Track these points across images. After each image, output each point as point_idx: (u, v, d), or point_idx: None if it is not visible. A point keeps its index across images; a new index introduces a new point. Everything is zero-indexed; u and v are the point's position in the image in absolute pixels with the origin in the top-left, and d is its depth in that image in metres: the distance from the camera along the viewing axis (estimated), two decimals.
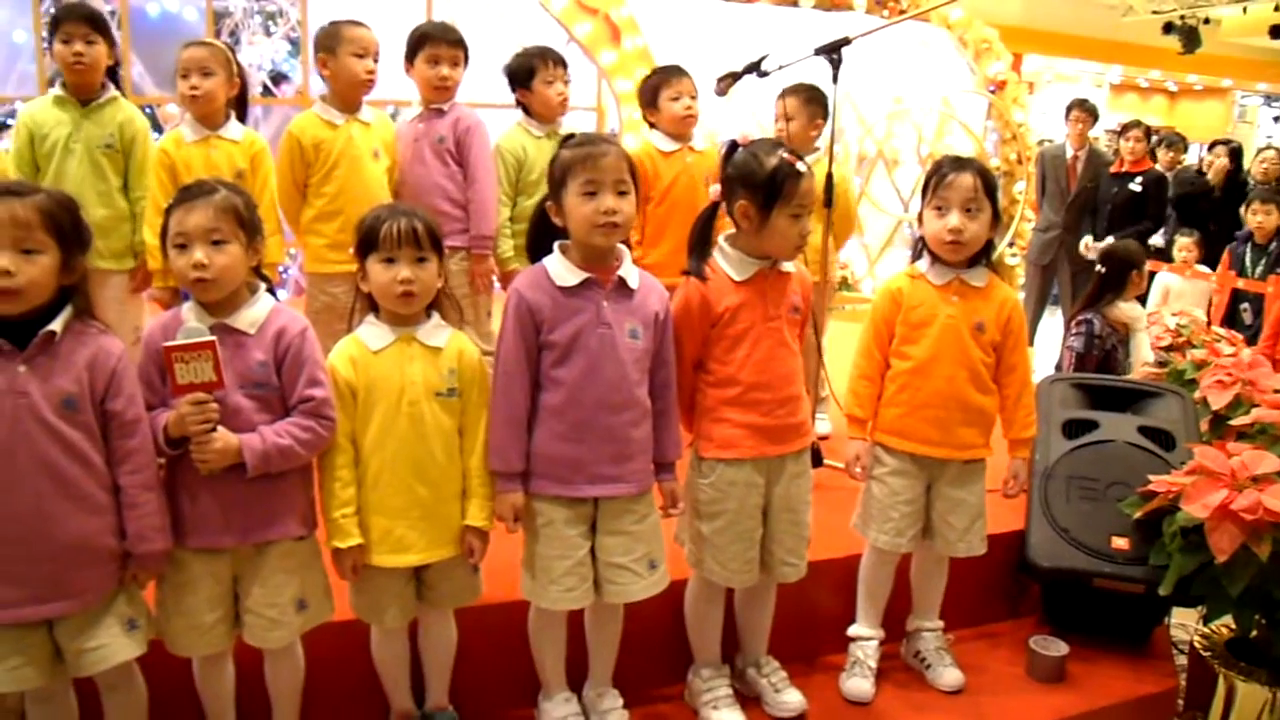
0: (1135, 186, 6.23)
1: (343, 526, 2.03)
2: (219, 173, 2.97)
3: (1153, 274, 6.30)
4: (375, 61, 3.13)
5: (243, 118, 3.25)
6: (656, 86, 3.51)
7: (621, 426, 2.13)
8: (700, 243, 2.28)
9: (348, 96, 3.16)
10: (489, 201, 3.25)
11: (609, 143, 2.11)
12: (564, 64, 3.41)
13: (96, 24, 3.10)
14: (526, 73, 3.37)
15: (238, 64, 3.18)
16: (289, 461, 1.94)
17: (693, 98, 3.50)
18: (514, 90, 3.43)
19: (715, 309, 2.24)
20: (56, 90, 3.15)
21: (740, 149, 2.26)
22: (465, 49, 3.27)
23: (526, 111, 3.43)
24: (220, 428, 1.87)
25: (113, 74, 3.21)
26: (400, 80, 3.38)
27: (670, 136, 3.53)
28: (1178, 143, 7.63)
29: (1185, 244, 6.10)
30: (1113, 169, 6.35)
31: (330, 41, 3.12)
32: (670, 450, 2.25)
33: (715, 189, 2.29)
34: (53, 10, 3.13)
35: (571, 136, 2.15)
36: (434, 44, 3.20)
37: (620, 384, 2.11)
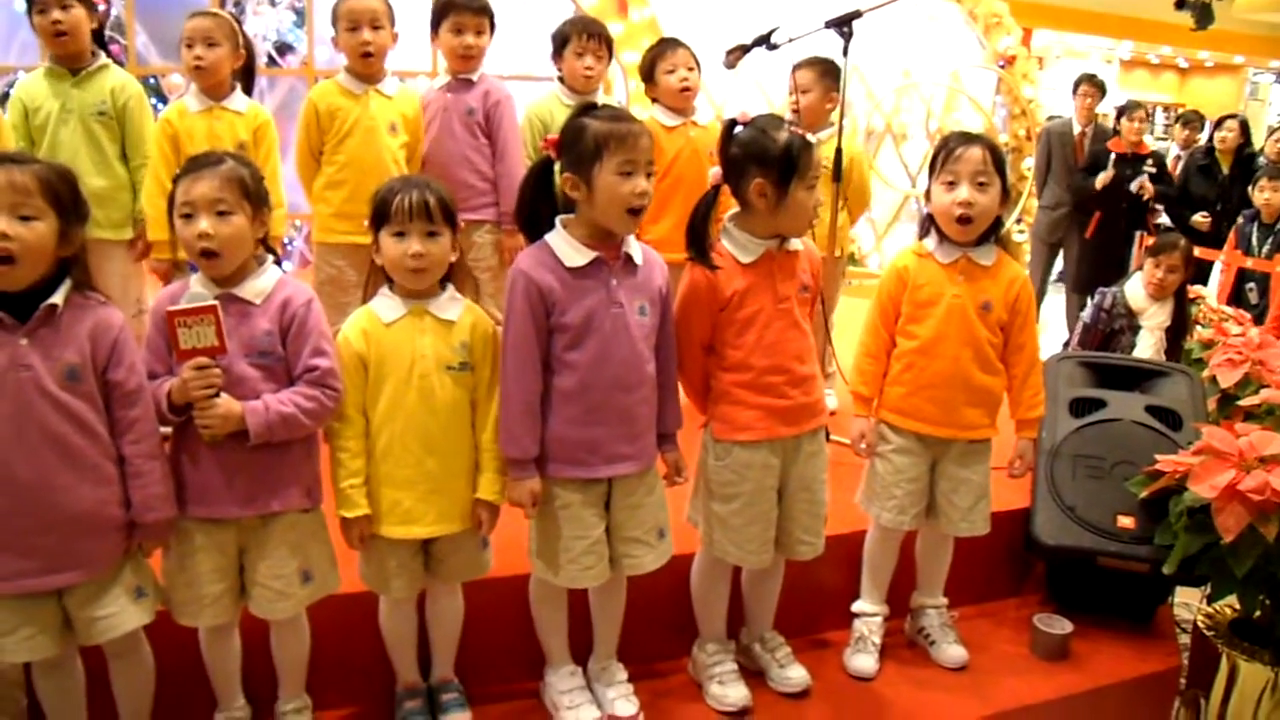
0: (1149, 169, 6.15)
1: (350, 496, 2.03)
2: (221, 144, 2.95)
3: (1200, 261, 6.16)
4: (376, 29, 3.09)
5: (249, 89, 3.23)
6: (653, 60, 3.50)
7: (634, 405, 2.12)
8: (702, 228, 2.23)
9: (356, 68, 3.14)
10: (519, 177, 3.22)
11: (637, 120, 2.07)
12: (601, 39, 3.39)
13: None
14: (561, 40, 3.39)
15: (244, 35, 3.16)
16: (292, 430, 1.93)
17: (689, 70, 3.47)
18: (553, 58, 3.43)
19: (723, 293, 2.22)
20: (47, 63, 3.10)
21: (743, 128, 2.22)
22: (491, 16, 3.25)
23: (563, 81, 3.43)
24: (224, 394, 1.87)
25: (99, 38, 3.16)
26: (416, 50, 3.35)
27: (671, 111, 3.51)
28: (1194, 120, 7.56)
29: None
30: (1112, 147, 6.22)
31: (333, 18, 3.13)
32: (671, 422, 2.26)
33: (715, 172, 2.25)
34: None
35: (594, 106, 2.11)
36: (458, 12, 3.18)
37: (633, 363, 2.10)
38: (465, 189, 3.19)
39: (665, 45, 3.50)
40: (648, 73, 3.52)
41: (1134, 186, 6.08)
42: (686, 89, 3.47)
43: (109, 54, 3.19)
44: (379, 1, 3.12)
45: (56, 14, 2.99)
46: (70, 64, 3.08)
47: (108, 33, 6.01)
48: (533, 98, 3.48)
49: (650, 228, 3.41)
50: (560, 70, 3.44)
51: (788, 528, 2.33)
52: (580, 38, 3.36)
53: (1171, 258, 3.77)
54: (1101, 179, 5.95)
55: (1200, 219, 6.22)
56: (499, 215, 3.25)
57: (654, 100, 3.56)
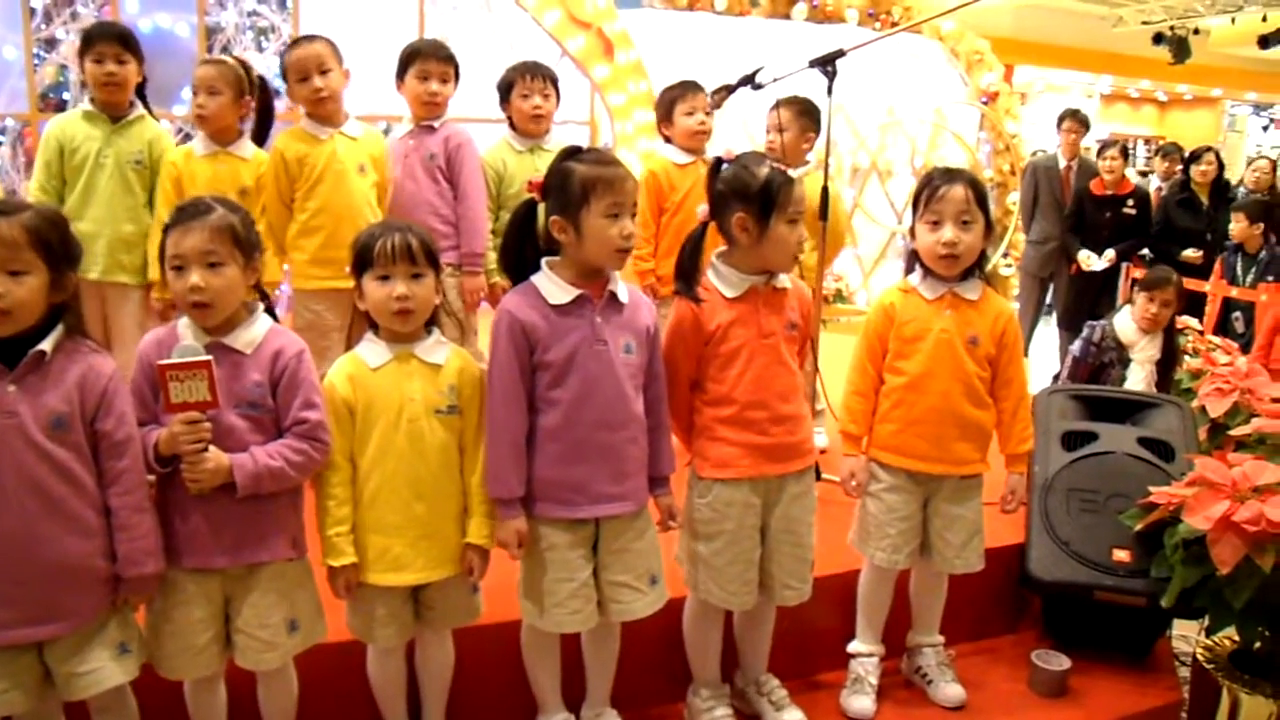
0: (1129, 209, 6.21)
1: (337, 544, 2.00)
2: (223, 188, 2.98)
3: (1193, 293, 6.20)
4: (324, 74, 3.07)
5: (263, 134, 3.25)
6: (672, 101, 3.56)
7: (620, 444, 2.10)
8: (691, 263, 2.25)
9: (315, 115, 3.14)
10: (479, 219, 3.26)
11: (622, 163, 2.08)
12: (546, 77, 3.40)
13: (127, 43, 3.13)
14: (506, 86, 3.40)
15: (256, 81, 3.18)
16: (279, 483, 1.91)
17: (707, 113, 3.55)
18: (501, 105, 3.45)
19: (707, 327, 2.22)
20: (85, 105, 3.17)
21: (727, 164, 2.24)
22: (456, 65, 3.28)
23: (512, 126, 3.45)
24: (212, 447, 1.85)
25: (140, 92, 3.24)
26: (390, 95, 3.37)
27: (683, 150, 3.57)
28: (1174, 153, 7.63)
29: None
30: (1094, 189, 6.27)
31: (282, 73, 3.14)
32: (665, 465, 2.23)
33: (703, 209, 2.26)
34: (83, 29, 3.19)
35: (578, 150, 2.12)
36: (424, 60, 3.21)
37: (617, 401, 2.09)
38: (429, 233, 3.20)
39: (686, 87, 3.56)
40: (665, 112, 3.58)
41: (1083, 262, 6.15)
42: (702, 131, 3.54)
43: (147, 107, 3.25)
44: (322, 45, 3.10)
45: (112, 66, 3.08)
46: (111, 111, 3.14)
47: None
48: (486, 145, 3.47)
49: (664, 263, 3.44)
50: (509, 116, 3.44)
51: (772, 571, 2.31)
52: (525, 79, 3.36)
53: (1165, 293, 3.79)
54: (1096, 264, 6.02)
55: (1191, 254, 6.25)
56: (460, 258, 3.25)
57: (666, 139, 3.63)
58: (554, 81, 3.44)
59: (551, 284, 2.08)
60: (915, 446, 2.46)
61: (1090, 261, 6.06)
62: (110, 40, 3.09)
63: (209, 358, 1.81)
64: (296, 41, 3.16)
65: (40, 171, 3.12)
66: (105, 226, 3.09)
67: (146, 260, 3.15)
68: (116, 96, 3.13)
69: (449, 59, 3.25)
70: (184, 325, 1.92)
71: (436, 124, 3.26)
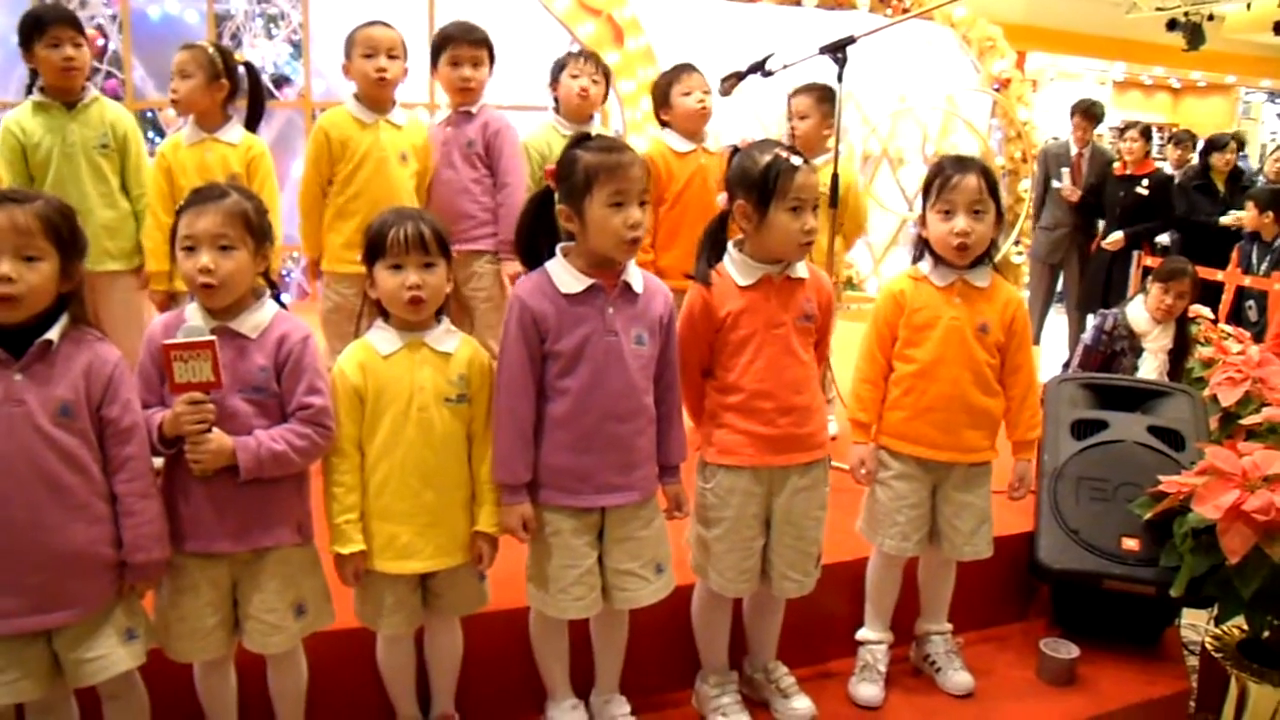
0: (1142, 189, 6.20)
1: (345, 532, 2.01)
2: (212, 176, 2.95)
3: (1206, 281, 6.20)
4: (392, 59, 3.10)
5: (256, 121, 3.23)
6: (668, 84, 3.53)
7: (628, 435, 2.10)
8: (710, 249, 2.24)
9: (369, 96, 3.15)
10: (520, 205, 3.24)
11: (630, 150, 2.07)
12: (596, 62, 3.44)
13: (78, 26, 3.07)
14: (558, 67, 3.44)
15: (230, 66, 3.14)
16: (283, 468, 1.92)
17: (705, 93, 3.50)
18: (550, 85, 3.48)
19: (718, 313, 2.22)
20: (35, 96, 3.08)
21: (739, 152, 2.24)
22: (490, 49, 3.27)
23: (557, 109, 3.47)
24: (215, 429, 1.86)
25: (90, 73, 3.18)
26: (417, 82, 3.37)
27: (684, 136, 3.52)
28: (1186, 140, 7.60)
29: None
30: (1116, 170, 6.32)
31: (347, 46, 3.13)
32: (675, 453, 2.22)
33: (722, 197, 2.26)
34: (27, 11, 3.05)
35: (587, 137, 2.11)
36: (456, 45, 3.20)
37: (627, 392, 2.08)
38: (466, 219, 3.22)
39: (681, 69, 3.53)
40: (662, 97, 3.54)
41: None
42: (703, 111, 3.49)
43: (100, 87, 3.20)
44: (396, 34, 3.14)
45: (70, 50, 3.01)
46: (65, 97, 3.08)
47: (106, 67, 6.09)
48: (529, 129, 3.50)
49: (662, 254, 3.42)
50: (556, 97, 3.47)
51: (773, 561, 2.31)
52: (577, 61, 3.43)
53: (1181, 284, 3.78)
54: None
55: (1233, 219, 6.29)
56: (498, 245, 3.26)
57: (665, 125, 3.58)
58: (606, 73, 3.47)
59: (565, 272, 2.07)
60: (925, 434, 2.46)
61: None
62: (64, 24, 3.02)
63: (212, 338, 1.82)
64: (372, 23, 3.14)
65: (4, 172, 3.03)
66: (84, 217, 3.01)
67: (131, 245, 3.14)
68: (75, 81, 3.06)
69: (482, 42, 3.23)
70: (191, 309, 1.93)
71: (474, 109, 3.26)
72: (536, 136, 3.45)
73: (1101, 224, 6.41)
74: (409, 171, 3.16)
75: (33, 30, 3.01)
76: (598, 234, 2.02)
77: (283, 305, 2.03)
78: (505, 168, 3.25)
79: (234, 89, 3.16)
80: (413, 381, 2.03)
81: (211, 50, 3.11)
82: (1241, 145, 6.82)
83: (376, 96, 3.14)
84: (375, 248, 2.02)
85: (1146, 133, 6.38)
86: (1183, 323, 3.85)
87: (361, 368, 2.03)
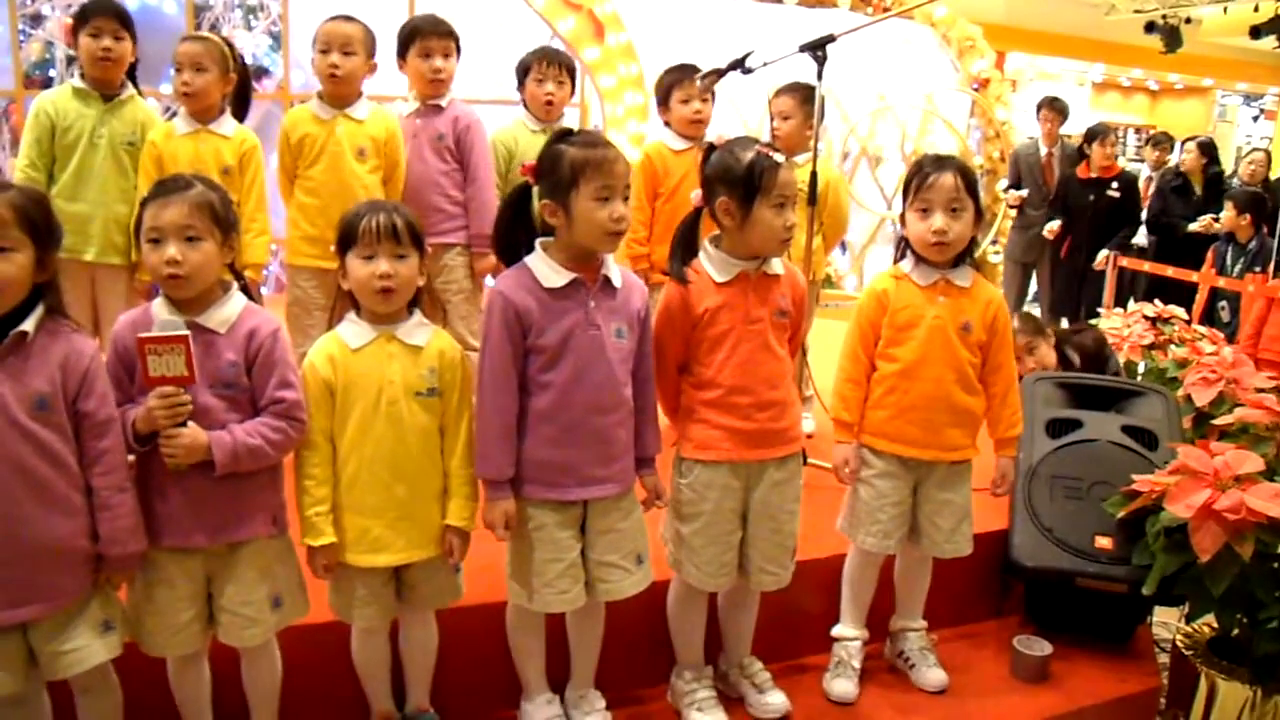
0: (1113, 192, 6.24)
1: (315, 524, 2.00)
2: (205, 167, 2.94)
3: (1138, 274, 6.33)
4: (346, 55, 3.08)
5: (243, 113, 3.22)
6: (670, 86, 3.55)
7: (610, 427, 2.11)
8: (683, 248, 2.26)
9: (325, 91, 3.15)
10: (490, 200, 3.26)
11: (613, 145, 2.08)
12: (562, 65, 3.44)
13: (124, 20, 3.10)
14: (523, 69, 3.44)
15: (237, 59, 3.15)
16: (257, 461, 1.91)
17: (703, 101, 3.53)
18: (518, 88, 3.48)
19: (695, 310, 2.22)
20: (76, 81, 3.11)
21: (716, 150, 2.24)
22: (457, 40, 3.27)
23: (527, 107, 3.47)
24: (190, 423, 1.85)
25: (131, 71, 3.20)
26: (388, 76, 3.36)
27: (680, 135, 3.56)
28: (1164, 142, 7.68)
29: None
30: (1079, 173, 6.32)
31: (313, 40, 3.13)
32: (651, 445, 2.24)
33: (696, 194, 2.27)
34: (77, 2, 3.11)
35: (570, 132, 2.11)
36: (424, 37, 3.20)
37: (609, 385, 2.09)
38: (436, 213, 3.21)
39: (683, 73, 3.53)
40: (664, 97, 3.58)
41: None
42: (698, 120, 3.53)
43: (136, 85, 3.21)
44: (354, 28, 3.11)
45: (109, 42, 3.04)
46: (103, 89, 3.10)
47: None
48: (501, 123, 3.50)
49: (657, 248, 3.43)
50: (524, 98, 3.48)
51: (750, 554, 2.32)
52: (540, 64, 3.40)
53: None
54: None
55: (1201, 224, 6.37)
56: (469, 238, 3.27)
57: (665, 124, 3.63)
58: (570, 71, 3.47)
59: (545, 266, 2.08)
60: (907, 433, 2.47)
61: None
62: (108, 16, 3.05)
63: (187, 333, 1.81)
64: (332, 17, 3.14)
65: (30, 148, 3.05)
66: (100, 208, 3.06)
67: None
68: (111, 73, 3.09)
69: (449, 34, 3.24)
70: (157, 305, 1.91)
71: (444, 103, 3.26)
72: (504, 132, 3.45)
73: (1057, 223, 6.40)
74: (367, 167, 3.14)
75: (80, 19, 3.07)
76: (584, 228, 2.03)
77: (250, 297, 2.01)
78: (475, 162, 3.26)
79: (243, 82, 3.17)
80: (382, 375, 2.02)
81: (221, 43, 3.12)
82: (1207, 149, 6.87)
83: (331, 92, 3.14)
84: (347, 237, 2.02)
85: (1119, 138, 6.47)
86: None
87: (331, 361, 2.03)
